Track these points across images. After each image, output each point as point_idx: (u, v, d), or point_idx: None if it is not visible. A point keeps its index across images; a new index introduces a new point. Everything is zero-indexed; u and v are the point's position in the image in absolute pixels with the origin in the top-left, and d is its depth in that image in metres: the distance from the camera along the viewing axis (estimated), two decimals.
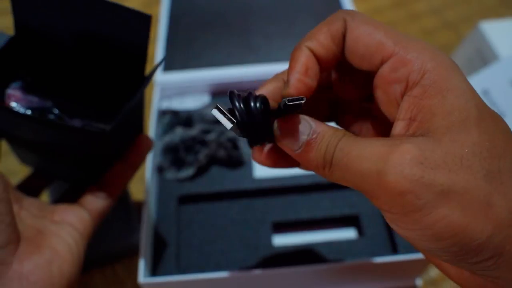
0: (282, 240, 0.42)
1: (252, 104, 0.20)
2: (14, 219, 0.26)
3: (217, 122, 0.46)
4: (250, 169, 0.44)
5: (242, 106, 0.20)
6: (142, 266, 0.35)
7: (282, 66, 0.48)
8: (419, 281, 0.42)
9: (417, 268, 0.39)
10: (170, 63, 0.51)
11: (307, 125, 0.21)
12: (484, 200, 0.17)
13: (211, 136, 0.44)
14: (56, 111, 0.31)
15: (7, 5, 0.30)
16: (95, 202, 0.32)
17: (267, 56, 0.52)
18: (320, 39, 0.22)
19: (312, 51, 0.22)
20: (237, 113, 0.20)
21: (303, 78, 0.21)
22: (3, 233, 0.25)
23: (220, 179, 0.44)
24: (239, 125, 0.20)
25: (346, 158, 0.19)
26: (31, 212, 0.30)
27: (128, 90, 0.30)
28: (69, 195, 0.35)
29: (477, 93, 0.19)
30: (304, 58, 0.21)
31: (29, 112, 0.30)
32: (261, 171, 0.45)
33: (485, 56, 0.55)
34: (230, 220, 0.42)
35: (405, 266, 0.37)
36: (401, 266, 0.37)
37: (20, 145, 0.32)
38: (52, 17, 0.29)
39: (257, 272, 0.35)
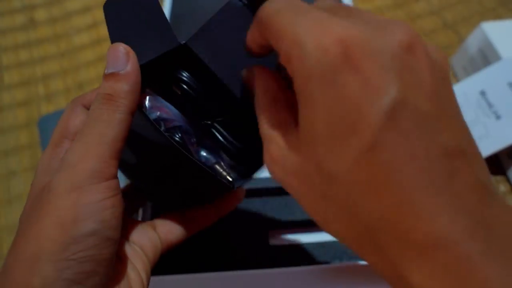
0: (278, 240, 0.42)
1: None
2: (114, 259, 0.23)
3: None
4: None
5: None
6: None
7: None
8: None
9: None
10: None
11: None
12: None
13: None
14: (178, 134, 0.27)
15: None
16: (172, 234, 0.28)
17: None
18: None
19: None
20: None
21: None
22: (110, 267, 0.22)
23: None
24: None
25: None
26: None
27: None
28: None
29: None
30: None
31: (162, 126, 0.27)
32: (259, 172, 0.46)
33: (487, 57, 0.55)
34: (226, 220, 0.42)
35: None
36: None
37: (134, 158, 0.29)
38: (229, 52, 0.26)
39: (253, 272, 0.35)
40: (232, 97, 0.26)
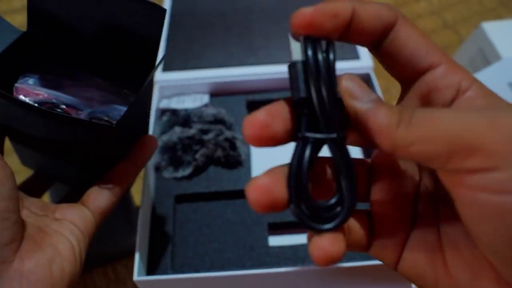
0: (277, 240, 0.42)
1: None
2: (20, 218, 0.26)
3: (216, 122, 0.46)
4: (247, 170, 0.44)
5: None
6: (137, 264, 0.35)
7: (282, 67, 0.49)
8: (414, 287, 0.42)
9: None
10: (170, 63, 0.51)
11: (374, 92, 0.19)
12: None
13: (209, 136, 0.44)
14: (63, 106, 0.31)
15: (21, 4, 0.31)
16: (98, 200, 0.31)
17: (267, 57, 0.52)
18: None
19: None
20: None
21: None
22: (8, 231, 0.25)
23: (217, 179, 0.44)
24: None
25: (438, 111, 0.17)
26: (32, 211, 0.30)
27: (138, 84, 0.30)
28: (71, 196, 0.35)
29: None
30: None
31: (36, 105, 0.30)
32: (258, 172, 0.46)
33: (487, 57, 0.55)
34: (226, 220, 0.42)
35: None
36: None
37: (24, 143, 0.32)
38: (68, 8, 0.29)
39: (252, 272, 0.35)
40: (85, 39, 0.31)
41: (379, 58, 0.22)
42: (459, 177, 0.17)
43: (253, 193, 0.18)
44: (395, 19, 0.20)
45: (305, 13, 0.19)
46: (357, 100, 0.18)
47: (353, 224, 0.22)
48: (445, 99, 0.20)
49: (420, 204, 0.22)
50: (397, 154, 0.18)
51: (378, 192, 0.22)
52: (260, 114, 0.18)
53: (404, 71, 0.21)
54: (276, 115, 0.19)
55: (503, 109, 0.17)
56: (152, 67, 0.30)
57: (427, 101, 0.21)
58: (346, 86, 0.19)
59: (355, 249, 0.22)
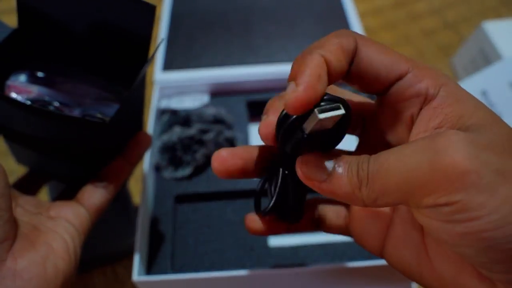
0: (277, 240, 0.42)
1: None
2: (12, 216, 0.26)
3: (216, 122, 0.46)
4: None
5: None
6: (136, 264, 0.35)
7: (282, 67, 0.49)
8: (415, 285, 0.42)
9: None
10: (170, 63, 0.51)
11: (329, 158, 0.20)
12: None
13: (209, 136, 0.44)
14: (56, 103, 0.31)
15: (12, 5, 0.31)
16: (93, 198, 0.31)
17: (267, 56, 0.52)
18: (332, 50, 0.20)
19: (324, 59, 0.19)
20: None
21: (315, 83, 0.18)
22: (0, 229, 0.25)
23: (217, 179, 0.44)
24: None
25: (386, 164, 0.18)
26: (26, 209, 0.30)
27: (130, 81, 0.30)
28: (67, 193, 0.35)
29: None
30: (316, 63, 0.19)
31: (28, 103, 0.30)
32: None
33: (488, 56, 0.55)
34: (227, 220, 0.42)
35: None
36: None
37: (18, 141, 0.32)
38: (58, 4, 0.29)
39: (252, 272, 0.35)
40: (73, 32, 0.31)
41: (349, 82, 0.22)
42: (419, 210, 0.19)
43: (215, 162, 0.24)
44: (355, 44, 0.21)
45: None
46: (317, 181, 0.20)
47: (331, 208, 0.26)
48: (413, 109, 0.21)
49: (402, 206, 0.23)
50: (367, 207, 0.20)
51: None
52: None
53: (374, 88, 0.22)
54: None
55: (442, 143, 0.17)
56: (144, 63, 0.30)
57: (397, 111, 0.21)
58: (302, 173, 0.20)
59: (335, 231, 0.27)
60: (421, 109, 0.21)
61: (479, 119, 0.19)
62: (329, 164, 0.20)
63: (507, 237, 0.16)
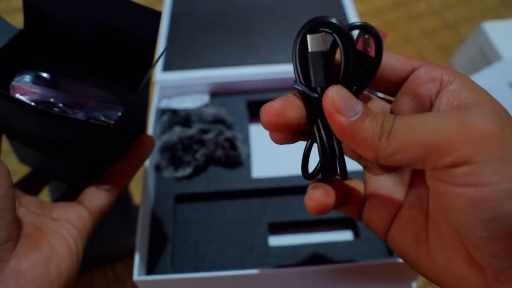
0: (277, 241, 0.42)
1: None
2: (16, 216, 0.26)
3: (216, 122, 0.46)
4: (247, 170, 0.44)
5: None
6: (137, 264, 0.35)
7: (282, 67, 0.50)
8: (415, 285, 0.42)
9: (414, 271, 0.39)
10: (170, 63, 0.51)
11: (359, 102, 0.20)
12: None
13: (209, 136, 0.44)
14: (60, 105, 0.32)
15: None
16: (95, 200, 0.31)
17: (267, 57, 0.52)
18: None
19: None
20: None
21: None
22: (4, 230, 0.25)
23: (217, 179, 0.44)
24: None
25: (412, 122, 0.19)
26: (29, 209, 0.30)
27: (136, 85, 0.30)
28: (69, 194, 0.35)
29: None
30: None
31: (33, 104, 0.31)
32: (259, 172, 0.46)
33: (487, 56, 0.55)
34: (227, 220, 0.42)
35: (401, 269, 0.37)
36: (397, 269, 0.37)
37: (21, 141, 0.33)
38: (64, 7, 0.30)
39: (252, 272, 0.35)
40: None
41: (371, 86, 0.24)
42: (433, 173, 0.19)
43: (267, 115, 0.22)
44: None
45: None
46: (342, 115, 0.20)
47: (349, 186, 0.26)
48: (430, 91, 0.22)
49: (414, 188, 0.24)
50: (380, 163, 0.20)
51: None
52: (275, 103, 0.22)
53: (392, 85, 0.23)
54: (290, 103, 0.22)
55: (472, 110, 0.18)
56: (149, 67, 0.31)
57: (415, 95, 0.22)
58: (331, 98, 0.20)
59: (348, 212, 0.26)
60: (438, 93, 0.21)
61: (495, 108, 0.19)
62: (357, 106, 0.20)
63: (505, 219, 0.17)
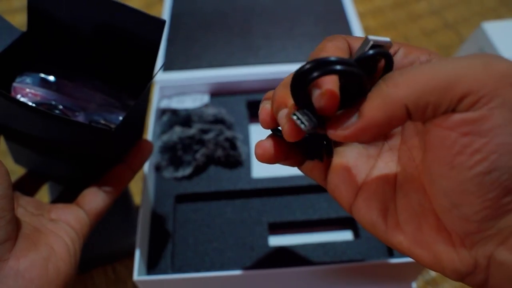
0: (277, 241, 0.42)
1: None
2: (14, 216, 0.26)
3: (216, 122, 0.46)
4: (247, 170, 0.44)
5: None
6: (137, 264, 0.35)
7: (282, 67, 0.50)
8: (415, 285, 0.42)
9: (413, 271, 0.39)
10: (170, 63, 0.51)
11: (351, 111, 0.20)
12: None
13: (209, 136, 0.44)
14: (61, 107, 0.32)
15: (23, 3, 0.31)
16: (93, 202, 0.32)
17: (267, 57, 0.52)
18: (331, 52, 0.21)
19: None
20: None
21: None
22: (2, 229, 0.25)
23: (217, 179, 0.44)
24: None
25: (430, 63, 0.18)
26: (27, 210, 0.30)
27: (137, 90, 0.30)
28: (67, 195, 0.36)
29: None
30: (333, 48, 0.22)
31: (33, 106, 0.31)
32: (259, 172, 0.46)
33: None
34: (227, 220, 0.42)
35: (401, 269, 0.37)
36: (397, 269, 0.37)
37: (19, 142, 0.33)
38: (68, 10, 0.30)
39: (252, 272, 0.35)
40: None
41: None
42: (437, 121, 0.18)
43: (258, 149, 0.24)
44: (347, 43, 0.23)
45: None
46: (342, 130, 0.20)
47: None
48: None
49: (381, 160, 0.24)
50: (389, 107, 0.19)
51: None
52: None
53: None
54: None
55: (492, 55, 0.18)
56: (150, 72, 0.31)
57: None
58: (338, 137, 0.20)
59: (309, 173, 0.26)
60: None
61: None
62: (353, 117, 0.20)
63: (508, 168, 0.17)
